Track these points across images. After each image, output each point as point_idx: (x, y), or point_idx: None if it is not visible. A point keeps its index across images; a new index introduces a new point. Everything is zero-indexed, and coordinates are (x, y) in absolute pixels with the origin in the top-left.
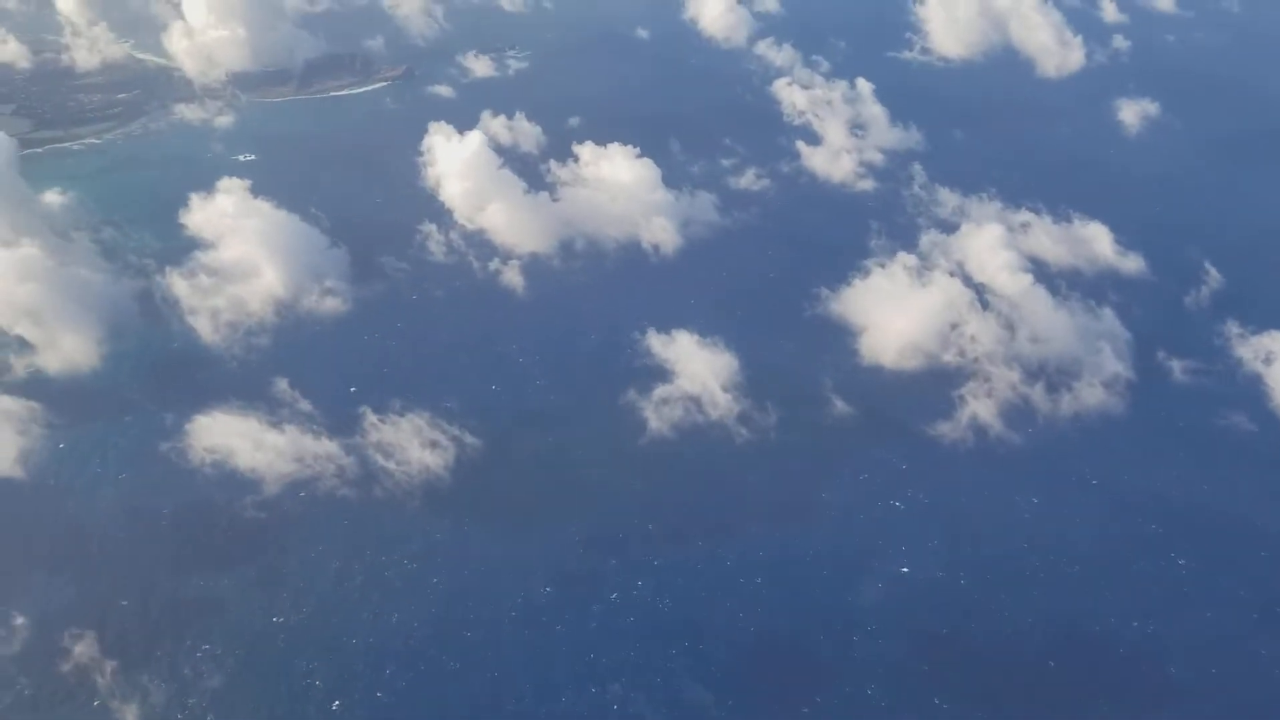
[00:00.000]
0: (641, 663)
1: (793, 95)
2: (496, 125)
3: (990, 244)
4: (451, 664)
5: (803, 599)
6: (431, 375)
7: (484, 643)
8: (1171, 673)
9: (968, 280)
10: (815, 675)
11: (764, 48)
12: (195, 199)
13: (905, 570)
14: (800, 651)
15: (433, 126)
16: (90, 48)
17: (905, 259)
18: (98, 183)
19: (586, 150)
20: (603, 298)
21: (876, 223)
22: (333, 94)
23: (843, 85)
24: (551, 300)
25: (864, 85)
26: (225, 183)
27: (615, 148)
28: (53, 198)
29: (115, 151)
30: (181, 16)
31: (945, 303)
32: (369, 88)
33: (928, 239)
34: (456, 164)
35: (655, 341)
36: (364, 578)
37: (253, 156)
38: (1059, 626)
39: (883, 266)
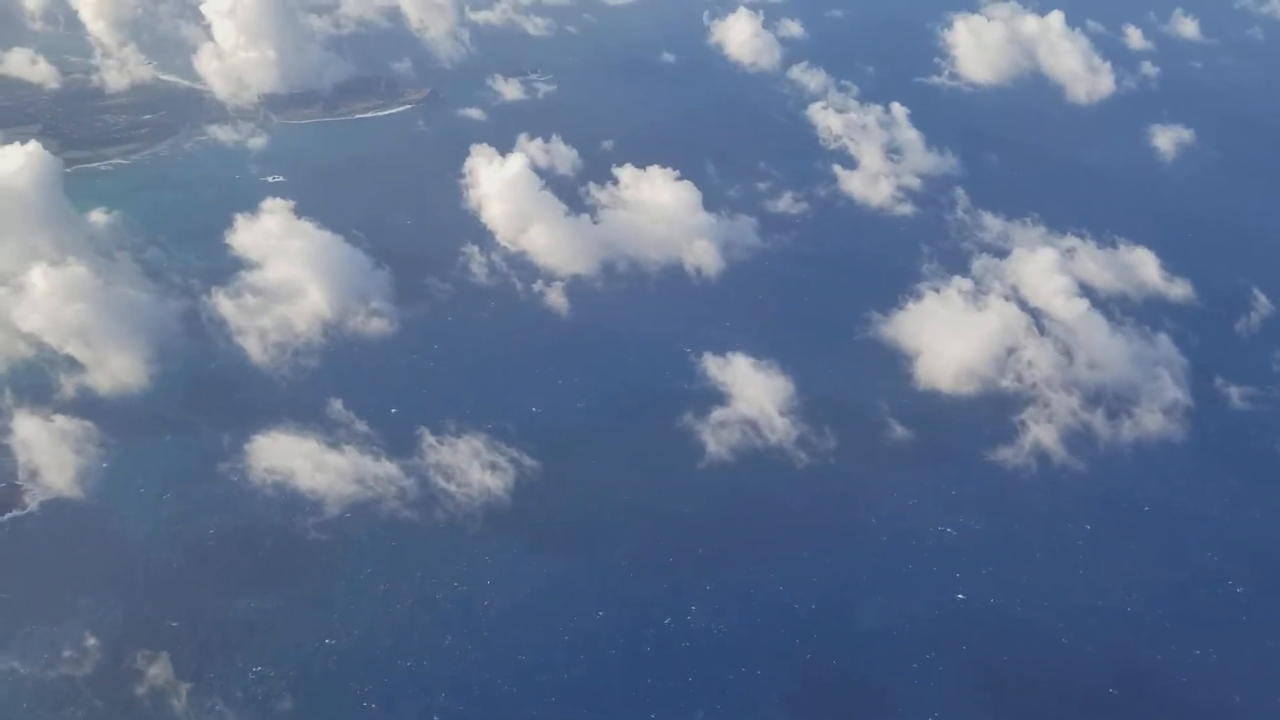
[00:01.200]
0: (699, 690)
1: (828, 119)
2: (533, 148)
3: (1044, 269)
4: (505, 688)
5: (859, 626)
6: (484, 397)
7: (537, 667)
8: (1236, 701)
9: (1023, 305)
10: (876, 704)
11: (795, 72)
12: (240, 219)
13: (961, 597)
14: (859, 680)
15: (474, 149)
16: (120, 69)
17: (960, 283)
18: (130, 203)
19: (626, 173)
20: (649, 320)
21: (927, 247)
22: (358, 116)
23: (877, 110)
24: (598, 322)
25: (899, 110)
26: (269, 203)
27: (655, 170)
28: (98, 217)
29: (144, 172)
30: (211, 39)
31: (1002, 328)
32: (394, 110)
33: (980, 263)
34: (499, 186)
35: (711, 364)
36: (416, 600)
37: (281, 178)
38: (1118, 654)
39: (937, 291)
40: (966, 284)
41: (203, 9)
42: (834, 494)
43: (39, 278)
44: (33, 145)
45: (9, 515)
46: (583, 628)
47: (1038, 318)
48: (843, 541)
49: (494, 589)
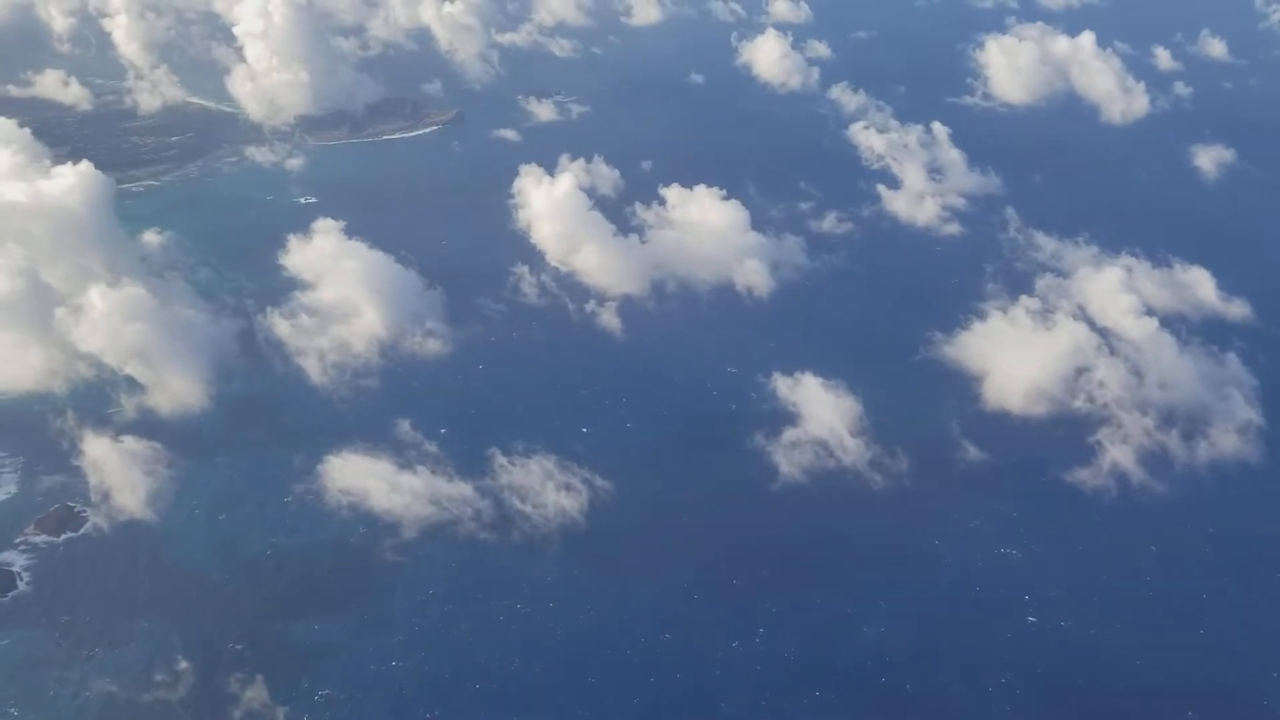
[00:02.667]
0: (770, 714)
1: (870, 139)
2: (575, 169)
3: (1111, 288)
4: (576, 711)
5: (931, 649)
6: (547, 417)
7: (606, 690)
8: None
9: (1090, 325)
10: None
11: (835, 92)
12: (293, 239)
13: (1032, 620)
14: (935, 704)
15: (522, 169)
16: (152, 91)
17: (1027, 302)
18: (166, 224)
19: (673, 193)
20: (705, 341)
21: (984, 267)
22: (385, 137)
23: (917, 129)
24: (652, 343)
25: (939, 129)
26: (320, 224)
27: (701, 190)
28: (151, 237)
29: (175, 193)
30: (243, 60)
31: (1072, 348)
32: (421, 131)
33: (1044, 283)
34: (549, 206)
35: (781, 384)
36: (484, 621)
37: (314, 199)
38: (1197, 678)
39: (1004, 311)
40: (1033, 303)
41: (236, 31)
42: (909, 515)
43: (97, 298)
44: (84, 165)
45: (65, 536)
46: (650, 650)
47: (1106, 337)
48: (916, 563)
49: (563, 610)
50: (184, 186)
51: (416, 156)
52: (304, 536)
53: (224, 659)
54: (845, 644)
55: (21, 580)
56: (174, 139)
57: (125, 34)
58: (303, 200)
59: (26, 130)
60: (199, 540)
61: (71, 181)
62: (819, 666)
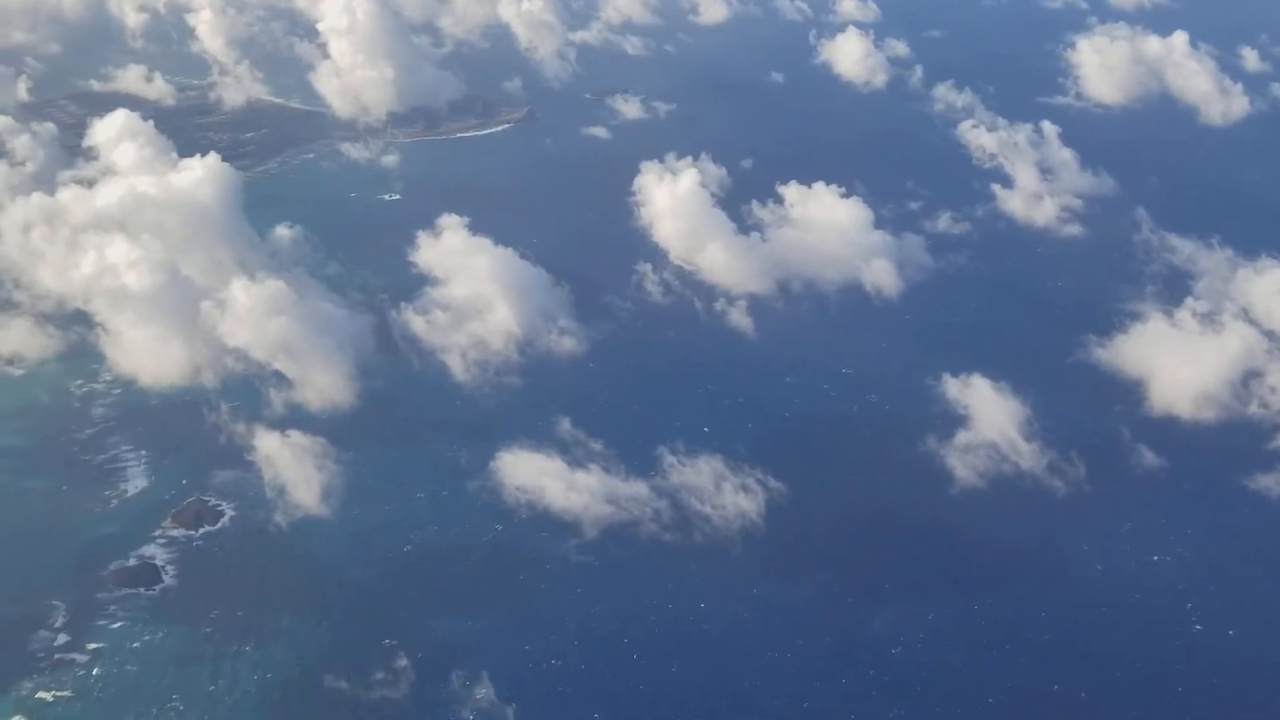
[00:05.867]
0: None
1: (980, 137)
2: (681, 167)
3: (1277, 290)
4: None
5: (1099, 658)
6: (701, 417)
7: (757, 692)
8: None
9: (1258, 328)
10: None
11: (939, 91)
12: (422, 235)
13: (1199, 629)
14: (1115, 714)
15: (644, 166)
16: (235, 85)
17: (1193, 304)
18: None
19: (792, 190)
20: (844, 340)
21: (1128, 268)
22: (458, 135)
23: (1026, 128)
24: (788, 343)
25: (1049, 128)
26: (446, 219)
27: (820, 188)
28: (282, 232)
29: (254, 190)
30: (327, 56)
31: (1242, 351)
32: (493, 129)
33: (1203, 285)
34: (672, 203)
35: (951, 385)
36: (651, 623)
37: (397, 196)
38: None
39: (1167, 314)
40: (1199, 305)
41: (319, 27)
42: (1088, 521)
43: (240, 292)
44: (212, 157)
45: (203, 530)
46: (808, 655)
47: (1275, 341)
48: (1090, 569)
49: (721, 613)
50: (264, 183)
51: (504, 153)
52: (478, 532)
53: (375, 654)
54: (1012, 652)
55: (166, 574)
56: (249, 135)
57: (209, 29)
58: (387, 197)
59: (150, 123)
60: (362, 535)
61: (201, 174)
62: (984, 673)
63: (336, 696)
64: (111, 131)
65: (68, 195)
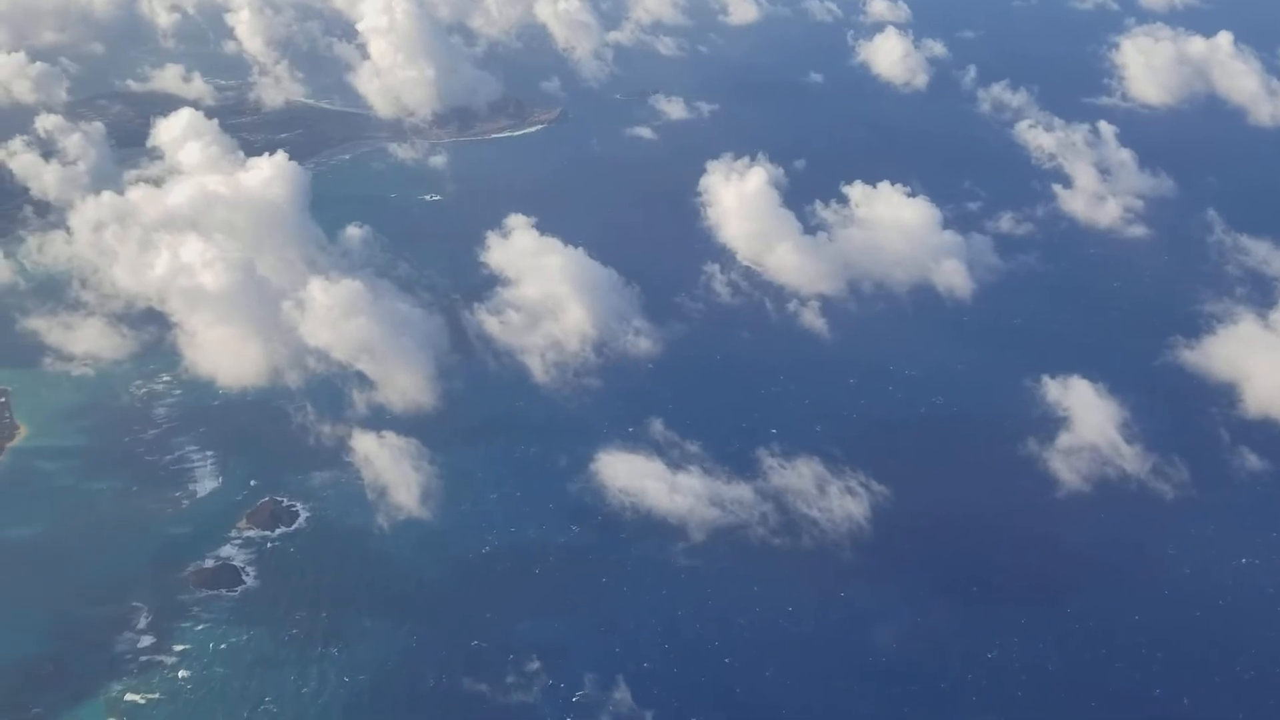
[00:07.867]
0: None
1: (1038, 138)
2: (740, 167)
3: None
4: None
5: (1200, 666)
6: (794, 418)
7: (844, 692)
8: None
9: None
10: None
11: (996, 91)
12: (491, 236)
13: None
14: None
15: (710, 166)
16: (275, 85)
17: None
18: None
19: (856, 190)
20: (923, 341)
21: (1204, 269)
22: (492, 135)
23: (1083, 129)
24: (866, 344)
25: (1106, 128)
26: (513, 219)
27: (885, 187)
28: (353, 231)
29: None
30: (366, 57)
31: None
32: (527, 130)
33: None
34: (739, 204)
35: (1051, 387)
36: (751, 627)
37: (438, 196)
38: None
39: (1263, 317)
40: None
41: (359, 27)
42: (1195, 525)
43: (319, 292)
44: (280, 156)
45: (280, 530)
46: (892, 659)
47: None
48: (1195, 575)
49: (807, 616)
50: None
51: (548, 154)
52: (583, 534)
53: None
54: (1108, 656)
55: (247, 576)
56: (284, 135)
57: (248, 29)
58: (428, 198)
59: (215, 121)
60: (457, 536)
61: (270, 173)
62: (1083, 678)
63: (475, 700)
64: (176, 130)
65: (137, 194)
